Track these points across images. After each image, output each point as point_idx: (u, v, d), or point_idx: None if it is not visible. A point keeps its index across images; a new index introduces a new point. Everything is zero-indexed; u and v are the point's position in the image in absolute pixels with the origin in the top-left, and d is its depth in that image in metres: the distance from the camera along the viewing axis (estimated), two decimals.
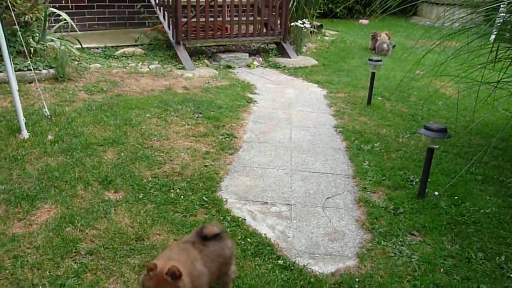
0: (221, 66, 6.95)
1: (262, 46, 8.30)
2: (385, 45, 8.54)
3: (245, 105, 5.18)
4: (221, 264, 2.14)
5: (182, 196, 3.14)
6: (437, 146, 3.26)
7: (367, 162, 3.86)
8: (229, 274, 2.23)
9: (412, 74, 5.94)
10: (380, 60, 5.20)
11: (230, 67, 6.94)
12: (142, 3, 8.24)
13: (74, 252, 2.52)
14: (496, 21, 3.82)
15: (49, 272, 2.36)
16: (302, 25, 8.04)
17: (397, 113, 5.18)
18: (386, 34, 8.65)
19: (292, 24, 8.16)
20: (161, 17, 7.26)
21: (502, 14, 3.75)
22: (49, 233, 2.66)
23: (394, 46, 8.86)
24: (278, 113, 5.09)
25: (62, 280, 2.31)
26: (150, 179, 3.34)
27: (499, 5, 3.74)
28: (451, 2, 4.00)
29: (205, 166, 3.63)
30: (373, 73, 5.30)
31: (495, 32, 3.88)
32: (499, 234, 2.94)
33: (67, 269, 2.39)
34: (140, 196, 3.10)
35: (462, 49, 3.69)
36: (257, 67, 7.23)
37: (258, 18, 7.59)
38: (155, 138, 4.04)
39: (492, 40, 3.86)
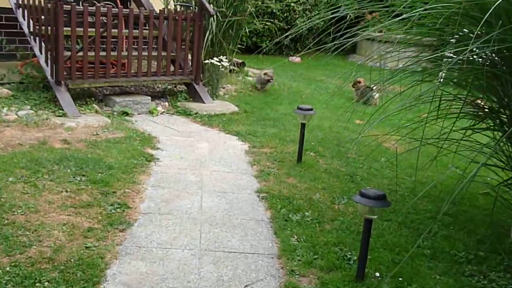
0: (115, 113, 6.88)
1: (169, 87, 8.38)
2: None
3: (144, 164, 5.12)
4: None
5: None
6: (375, 217, 3.40)
7: (296, 237, 3.93)
8: None
9: (350, 125, 6.26)
10: (311, 109, 5.41)
11: (126, 113, 6.90)
12: (11, 30, 8.04)
13: None
14: (443, 62, 4.17)
15: None
16: (219, 63, 8.27)
17: (332, 172, 5.38)
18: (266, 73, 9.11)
19: (207, 61, 8.36)
20: (36, 50, 7.12)
21: (450, 54, 4.02)
22: None
23: None
24: (187, 174, 5.08)
25: None
26: (8, 269, 3.14)
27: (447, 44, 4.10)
28: (393, 39, 4.32)
29: (87, 248, 3.48)
30: (303, 124, 5.50)
31: (443, 76, 4.22)
32: None
33: None
34: None
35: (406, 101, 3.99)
36: (161, 114, 7.25)
37: (164, 53, 7.69)
38: (19, 211, 3.84)
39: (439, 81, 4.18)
